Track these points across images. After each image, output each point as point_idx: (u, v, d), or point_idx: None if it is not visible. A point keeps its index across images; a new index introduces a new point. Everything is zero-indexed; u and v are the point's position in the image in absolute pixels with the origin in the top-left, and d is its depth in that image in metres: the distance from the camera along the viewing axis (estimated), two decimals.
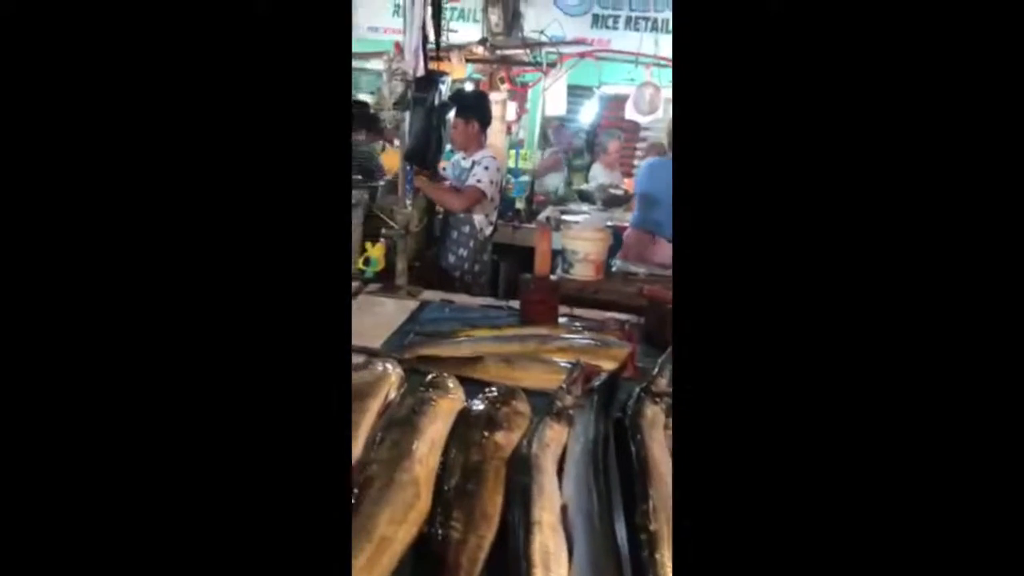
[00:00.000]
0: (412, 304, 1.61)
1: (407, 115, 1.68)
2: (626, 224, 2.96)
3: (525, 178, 3.95)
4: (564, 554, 0.66)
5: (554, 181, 4.15)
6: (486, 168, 2.36)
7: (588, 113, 4.80)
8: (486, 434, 0.88)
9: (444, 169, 2.52)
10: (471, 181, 2.36)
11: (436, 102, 1.74)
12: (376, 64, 3.46)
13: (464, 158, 2.50)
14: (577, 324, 1.49)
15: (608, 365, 1.18)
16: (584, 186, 4.06)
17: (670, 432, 0.97)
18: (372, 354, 1.21)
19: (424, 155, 1.74)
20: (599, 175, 4.34)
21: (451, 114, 1.95)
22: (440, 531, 0.69)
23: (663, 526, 0.68)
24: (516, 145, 4.39)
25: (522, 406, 0.99)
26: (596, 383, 1.08)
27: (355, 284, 1.55)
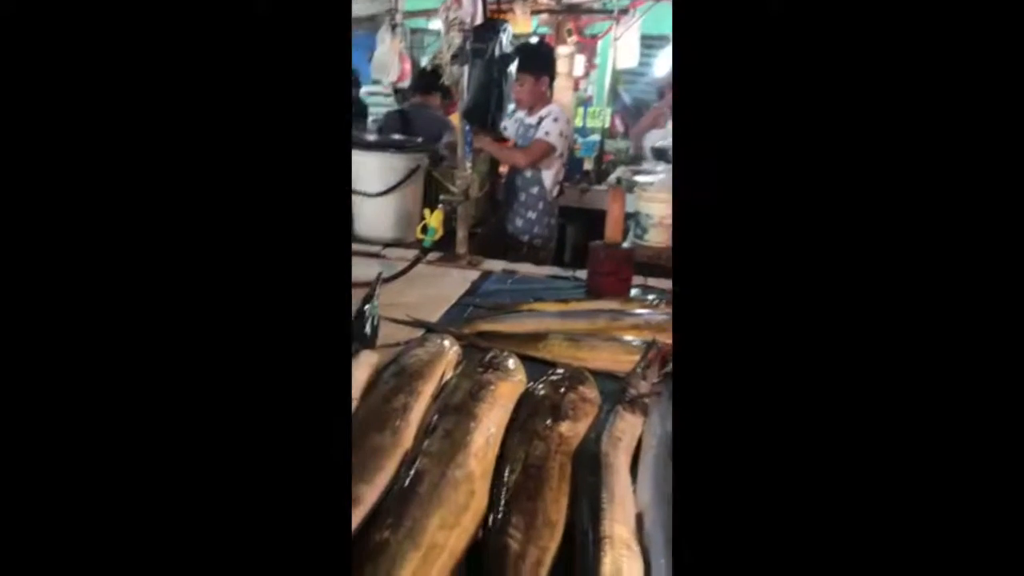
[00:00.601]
0: (472, 275, 1.53)
1: (466, 69, 1.56)
2: None
3: (595, 137, 3.74)
4: (639, 571, 0.56)
5: (655, 138, 3.86)
6: (555, 120, 2.21)
7: (662, 65, 4.46)
8: (549, 423, 0.79)
9: (505, 128, 2.38)
10: (538, 135, 2.22)
11: (497, 53, 1.61)
12: (439, 24, 3.34)
13: (528, 115, 2.35)
14: (652, 297, 1.35)
15: None
16: (660, 143, 3.78)
17: None
18: (428, 329, 1.15)
19: (485, 112, 1.63)
20: (659, 133, 4.04)
21: (513, 67, 1.82)
22: (497, 540, 0.60)
23: None
24: (584, 102, 4.17)
25: (591, 392, 0.88)
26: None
27: (413, 254, 1.49)
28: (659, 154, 3.48)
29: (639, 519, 0.63)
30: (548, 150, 2.22)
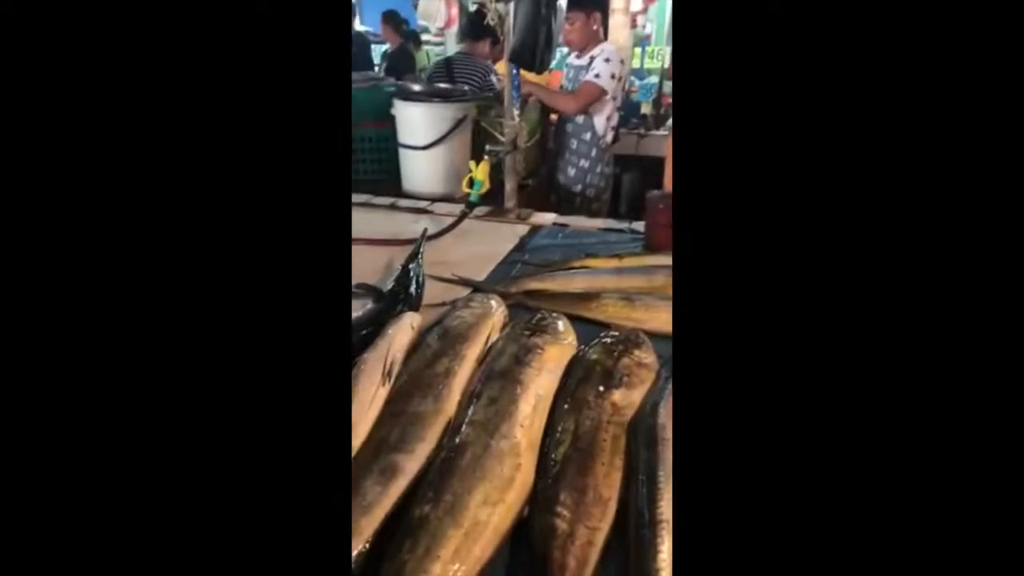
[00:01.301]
0: (521, 229, 1.46)
1: (512, 7, 1.44)
2: None
3: (653, 79, 3.49)
4: None
5: None
6: (607, 60, 2.05)
7: None
8: (601, 390, 0.73)
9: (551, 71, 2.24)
10: (588, 77, 2.07)
11: None
12: None
13: (579, 57, 2.20)
14: None
15: None
16: None
17: None
18: (474, 288, 1.10)
19: (532, 54, 1.51)
20: None
21: (563, 3, 1.68)
22: (544, 518, 0.56)
23: None
24: (642, 41, 3.88)
25: (647, 356, 0.81)
26: None
27: (459, 208, 1.43)
28: None
29: None
30: (599, 93, 2.07)
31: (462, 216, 1.41)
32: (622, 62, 2.13)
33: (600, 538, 0.56)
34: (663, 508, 0.55)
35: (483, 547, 0.54)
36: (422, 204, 1.70)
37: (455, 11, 3.25)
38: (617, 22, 3.50)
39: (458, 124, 1.78)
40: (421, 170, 1.82)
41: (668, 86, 3.61)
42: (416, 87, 1.93)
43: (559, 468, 0.62)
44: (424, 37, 4.11)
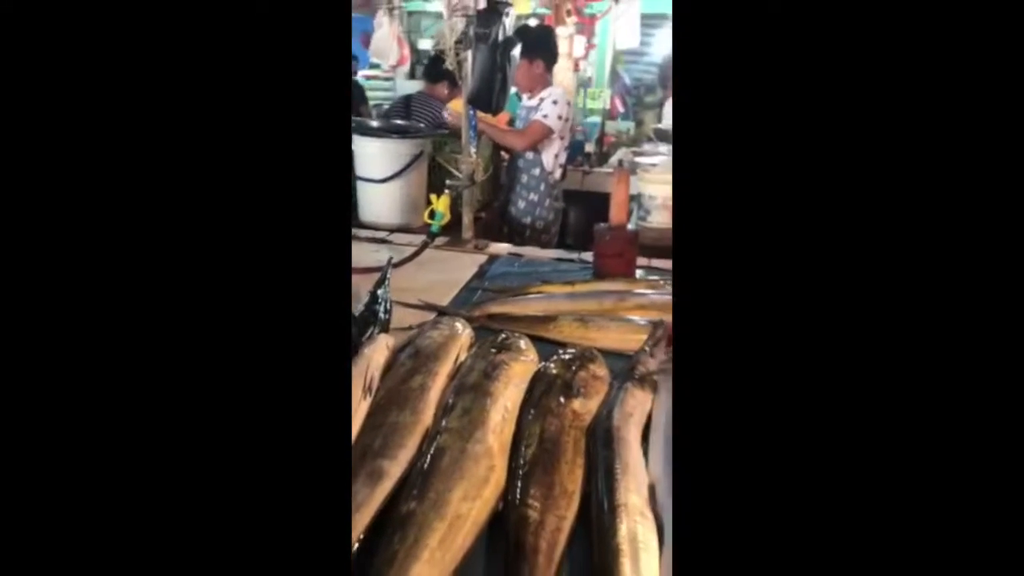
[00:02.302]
0: (480, 258, 1.55)
1: (469, 54, 1.56)
2: None
3: (595, 119, 3.72)
4: (655, 543, 0.59)
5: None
6: (554, 102, 2.21)
7: (663, 45, 4.43)
8: (562, 400, 0.82)
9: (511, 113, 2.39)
10: (537, 117, 2.22)
11: (500, 37, 1.61)
12: (437, 5, 3.32)
13: (530, 99, 2.35)
14: (658, 277, 1.38)
15: None
16: (661, 125, 3.77)
17: None
18: (440, 312, 1.17)
19: (489, 97, 1.63)
20: (669, 111, 4.02)
21: (516, 51, 1.82)
22: (516, 510, 0.64)
23: None
24: (584, 83, 4.14)
25: (601, 370, 0.91)
26: None
27: (420, 238, 1.51)
28: (661, 135, 3.48)
29: (651, 489, 0.66)
30: (546, 132, 2.22)
31: (424, 245, 1.48)
32: (568, 104, 2.30)
33: (567, 525, 0.63)
34: (620, 495, 0.63)
35: (464, 537, 0.61)
36: (380, 234, 1.77)
37: (407, 51, 3.38)
38: (561, 66, 3.73)
39: (415, 159, 1.86)
40: (379, 202, 1.89)
41: (609, 126, 3.85)
42: (374, 123, 2.01)
43: (528, 467, 0.70)
44: (373, 73, 4.22)
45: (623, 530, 0.59)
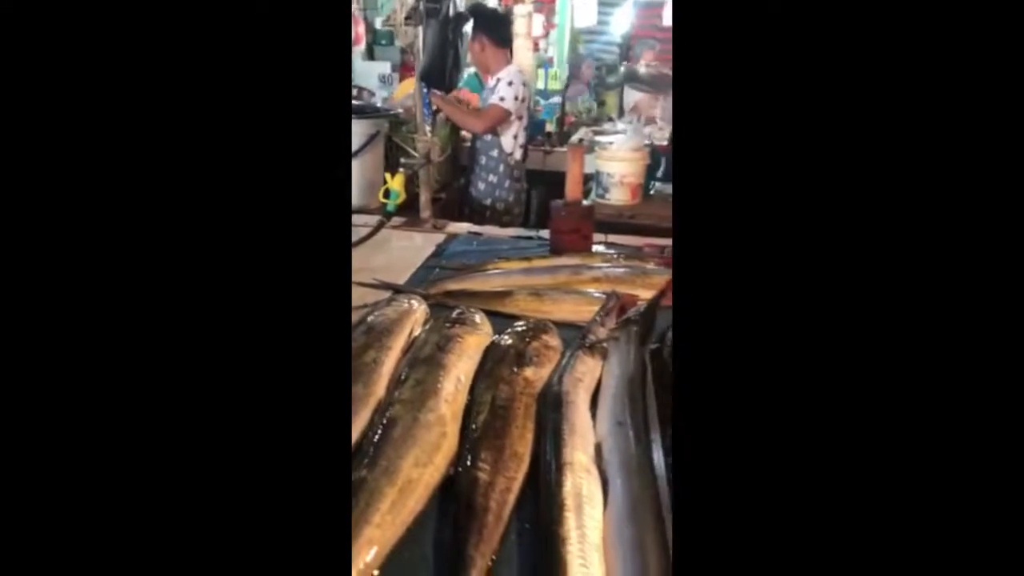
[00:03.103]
0: (438, 237, 1.55)
1: (420, 31, 1.54)
2: (665, 142, 2.77)
3: (556, 99, 3.73)
4: (599, 497, 0.62)
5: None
6: (509, 84, 2.21)
7: (620, 23, 4.44)
8: (515, 370, 0.84)
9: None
10: (493, 99, 2.21)
11: (451, 12, 1.59)
12: None
13: (489, 79, 2.34)
14: (613, 252, 1.40)
15: (646, 294, 1.10)
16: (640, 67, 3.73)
17: None
18: (396, 290, 1.17)
19: (441, 74, 1.62)
20: (635, 91, 4.05)
21: (468, 26, 1.80)
22: (468, 473, 0.65)
23: None
24: (545, 63, 4.13)
25: (553, 340, 0.93)
26: (632, 313, 1.01)
27: (376, 219, 1.50)
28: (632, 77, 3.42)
29: (598, 448, 0.69)
30: (502, 114, 2.22)
31: (380, 225, 1.48)
32: (524, 84, 2.29)
33: (516, 486, 0.65)
34: (566, 453, 0.66)
35: (416, 501, 0.62)
36: None
37: (361, 29, 3.30)
38: (520, 46, 3.71)
39: (371, 139, 1.84)
40: None
41: (569, 105, 3.86)
42: None
43: (480, 433, 0.71)
44: None
45: (568, 486, 0.62)
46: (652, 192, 2.22)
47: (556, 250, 1.41)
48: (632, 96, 4.01)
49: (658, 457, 0.67)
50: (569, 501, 0.60)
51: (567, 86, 3.76)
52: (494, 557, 0.58)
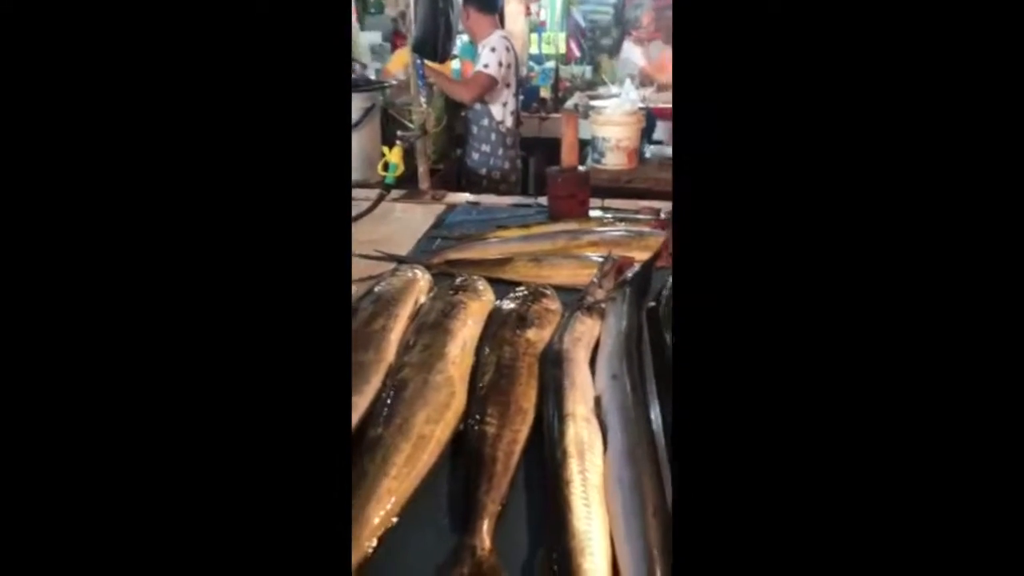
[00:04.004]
0: (438, 208, 1.58)
1: (412, 1, 1.53)
2: (661, 104, 2.75)
3: (550, 64, 3.68)
4: (599, 444, 0.67)
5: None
6: (492, 50, 2.19)
7: None
8: (518, 332, 0.88)
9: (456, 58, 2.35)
10: (478, 67, 2.20)
11: None
12: None
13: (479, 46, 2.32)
14: (609, 216, 1.43)
15: (641, 256, 1.13)
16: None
17: None
18: (399, 261, 1.20)
19: (434, 44, 1.61)
20: (632, 54, 3.99)
21: None
22: (476, 427, 0.70)
23: None
24: (537, 28, 4.06)
25: (553, 303, 0.97)
26: (629, 274, 1.04)
27: (376, 191, 1.52)
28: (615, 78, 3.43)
29: (597, 400, 0.73)
30: (488, 82, 2.20)
31: (380, 198, 1.50)
32: (508, 49, 2.26)
33: (522, 437, 0.70)
34: (568, 405, 0.70)
35: (429, 455, 0.67)
36: None
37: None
38: (512, 10, 3.64)
39: (367, 112, 1.84)
40: None
41: (564, 70, 3.80)
42: None
43: (486, 391, 0.76)
44: None
45: (570, 434, 0.66)
46: (648, 155, 2.22)
47: (554, 216, 1.43)
48: (630, 54, 3.95)
49: (653, 407, 0.71)
50: (572, 448, 0.65)
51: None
52: (503, 502, 0.62)
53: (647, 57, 3.79)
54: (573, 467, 0.63)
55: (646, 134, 2.24)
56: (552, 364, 0.79)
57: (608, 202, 1.59)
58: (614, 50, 4.27)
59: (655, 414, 0.70)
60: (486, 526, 0.59)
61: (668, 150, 2.28)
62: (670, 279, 0.99)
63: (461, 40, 2.70)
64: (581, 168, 1.48)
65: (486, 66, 2.18)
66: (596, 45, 4.61)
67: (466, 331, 0.88)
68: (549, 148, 3.02)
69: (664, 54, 3.71)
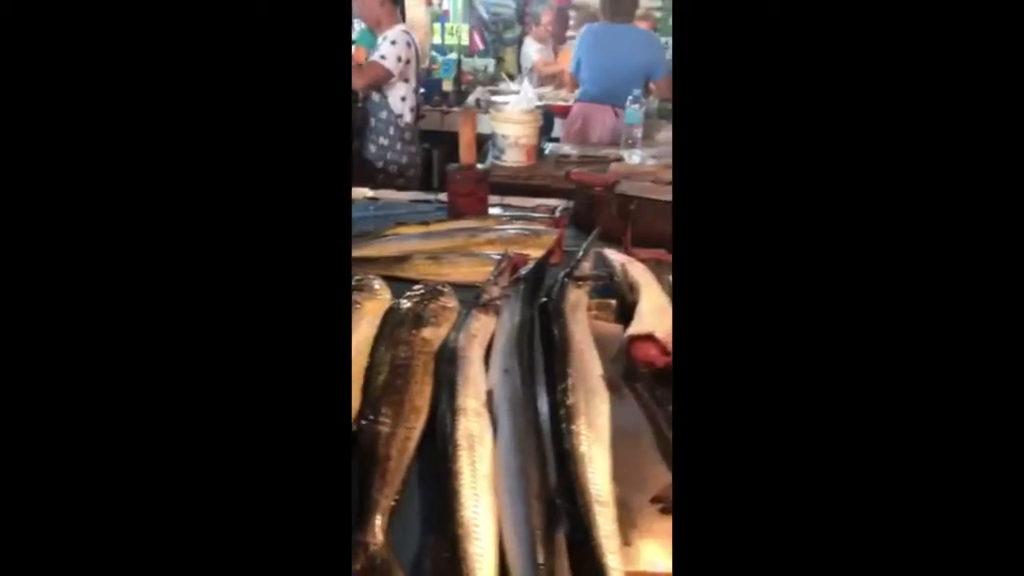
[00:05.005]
0: None
1: None
2: (559, 103, 2.85)
3: (452, 56, 3.67)
4: (489, 435, 0.70)
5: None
6: (392, 43, 2.16)
7: None
8: (414, 331, 0.89)
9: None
10: (375, 57, 2.17)
11: None
12: None
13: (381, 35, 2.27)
14: (508, 213, 1.48)
15: (537, 253, 1.19)
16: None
17: (594, 312, 1.02)
18: None
19: None
20: (532, 50, 4.08)
21: None
22: (369, 427, 0.71)
23: (580, 400, 0.73)
24: (440, 17, 4.03)
25: (450, 301, 1.00)
26: (523, 272, 1.09)
27: None
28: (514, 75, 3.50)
29: (489, 394, 0.77)
30: (383, 74, 2.17)
31: None
32: (409, 44, 2.24)
33: (416, 435, 0.72)
34: (459, 400, 0.73)
35: None
36: None
37: None
38: (412, 1, 3.59)
39: None
40: None
41: (467, 63, 3.82)
42: None
43: (381, 391, 0.77)
44: None
45: (461, 427, 0.69)
46: (547, 153, 2.30)
47: (453, 213, 1.46)
48: (530, 50, 4.03)
49: (541, 397, 0.77)
50: (462, 441, 0.68)
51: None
52: (397, 497, 0.65)
53: (546, 55, 3.90)
54: (463, 459, 0.66)
55: (544, 131, 2.31)
56: (447, 362, 0.82)
57: (508, 199, 1.64)
58: (517, 45, 4.34)
59: (543, 403, 0.76)
60: (379, 521, 0.61)
61: (565, 147, 2.38)
62: (560, 275, 1.05)
63: (359, 26, 2.62)
64: (480, 166, 1.51)
65: (383, 57, 2.15)
66: (500, 39, 4.66)
67: (361, 331, 0.89)
68: (452, 142, 3.03)
69: (562, 53, 3.84)
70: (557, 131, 2.64)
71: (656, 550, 0.61)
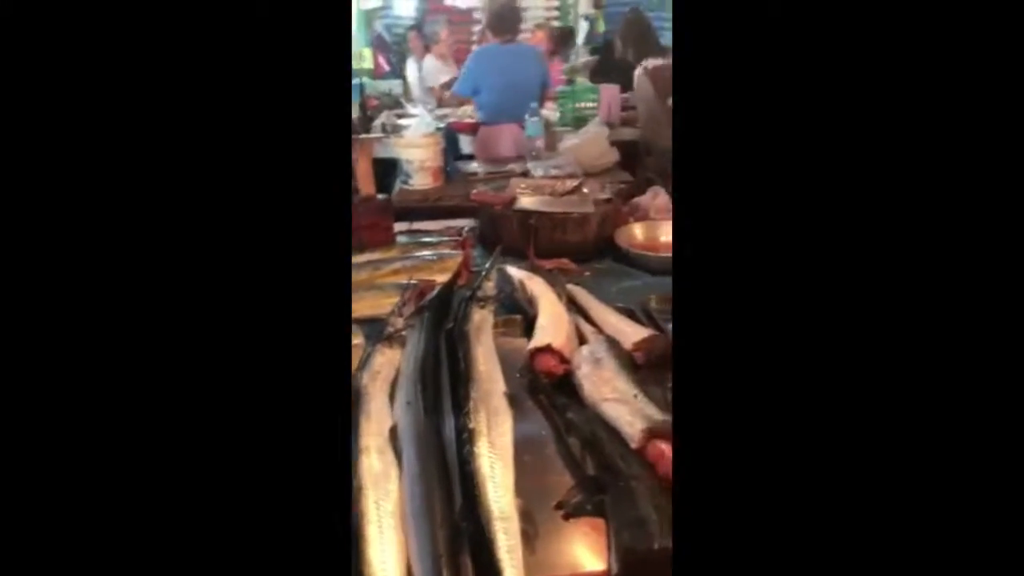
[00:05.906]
0: None
1: None
2: (467, 120, 2.89)
3: (356, 81, 3.64)
4: (394, 471, 0.72)
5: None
6: None
7: (407, 1, 4.44)
8: None
9: None
10: None
11: None
12: None
13: None
14: (413, 240, 1.49)
15: (442, 278, 1.21)
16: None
17: (501, 330, 1.05)
18: None
19: None
20: (432, 67, 4.12)
21: None
22: None
23: (482, 421, 0.76)
24: None
25: (354, 339, 1.00)
26: (428, 299, 1.11)
27: None
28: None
29: (392, 430, 0.79)
30: None
31: None
32: None
33: None
34: (362, 440, 0.75)
35: None
36: None
37: None
38: None
39: None
40: None
41: (371, 87, 3.80)
42: None
43: None
44: None
45: (364, 467, 0.71)
46: (451, 172, 2.33)
47: (358, 247, 1.46)
48: (431, 69, 4.07)
49: (447, 424, 0.79)
50: (365, 480, 0.69)
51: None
52: None
53: (448, 73, 3.95)
54: (368, 499, 0.67)
55: (449, 151, 2.35)
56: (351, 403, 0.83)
57: (416, 224, 1.66)
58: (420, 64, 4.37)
59: (448, 429, 0.78)
60: None
61: (472, 165, 2.42)
62: (468, 295, 1.08)
63: None
64: (380, 196, 1.52)
65: None
66: (403, 59, 4.67)
67: None
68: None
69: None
70: (466, 147, 2.69)
71: (560, 555, 0.65)
